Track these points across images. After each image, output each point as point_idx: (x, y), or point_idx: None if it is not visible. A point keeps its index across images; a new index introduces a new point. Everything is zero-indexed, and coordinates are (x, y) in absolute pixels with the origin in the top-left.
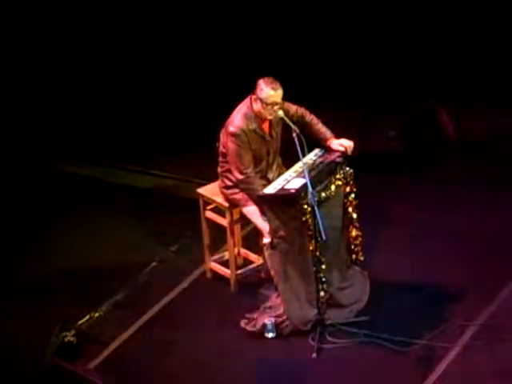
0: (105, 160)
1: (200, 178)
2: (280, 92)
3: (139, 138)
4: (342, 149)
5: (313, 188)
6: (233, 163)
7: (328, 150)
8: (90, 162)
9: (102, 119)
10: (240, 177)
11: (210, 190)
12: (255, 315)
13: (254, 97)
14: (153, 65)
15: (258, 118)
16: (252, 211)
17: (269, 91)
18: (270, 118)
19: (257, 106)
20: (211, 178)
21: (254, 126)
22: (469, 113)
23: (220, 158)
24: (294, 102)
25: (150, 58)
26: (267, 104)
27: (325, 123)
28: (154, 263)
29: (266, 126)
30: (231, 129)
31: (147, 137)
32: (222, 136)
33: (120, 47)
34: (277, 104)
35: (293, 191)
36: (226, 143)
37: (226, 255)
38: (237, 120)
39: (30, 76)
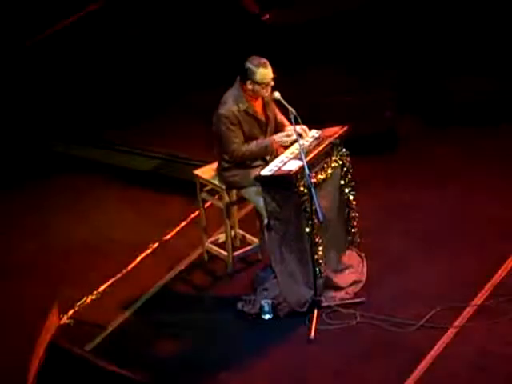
0: (101, 142)
1: (197, 160)
2: (270, 67)
3: (137, 119)
4: (300, 138)
5: (309, 170)
6: (224, 145)
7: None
8: (86, 143)
9: (98, 101)
10: (232, 156)
11: (207, 172)
12: (252, 297)
13: (248, 81)
14: (146, 49)
15: (250, 97)
16: (251, 192)
17: (261, 71)
18: (266, 95)
19: (252, 89)
20: (208, 159)
21: (244, 106)
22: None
23: (215, 141)
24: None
25: (141, 41)
26: (264, 83)
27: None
28: (150, 245)
29: (258, 105)
30: (221, 111)
31: (144, 118)
32: (213, 119)
33: (109, 35)
34: (272, 79)
35: (289, 173)
36: (217, 125)
37: (223, 237)
38: (227, 102)
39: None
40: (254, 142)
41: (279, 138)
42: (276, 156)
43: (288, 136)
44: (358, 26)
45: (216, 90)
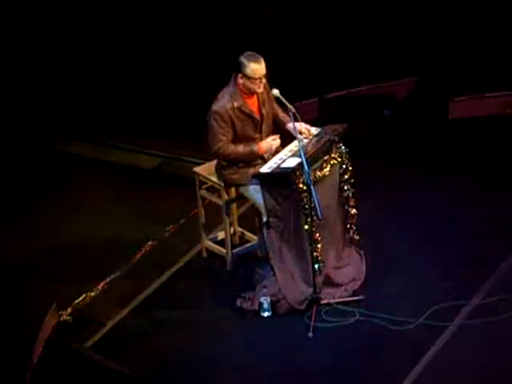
0: (100, 139)
1: (196, 158)
2: (263, 63)
3: (136, 116)
4: (300, 135)
5: (308, 167)
6: (211, 141)
7: (323, 129)
8: (85, 140)
9: (97, 99)
10: (217, 153)
11: (206, 169)
12: (251, 294)
13: (239, 75)
14: (145, 45)
15: (245, 94)
16: (250, 190)
17: (253, 65)
18: (259, 91)
19: (243, 83)
20: (207, 157)
21: (239, 103)
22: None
23: None
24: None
25: (142, 39)
26: (255, 79)
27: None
28: (149, 242)
29: (253, 103)
30: (215, 107)
31: (145, 116)
32: (207, 114)
33: (112, 32)
34: (264, 76)
35: (288, 170)
36: (208, 120)
37: (222, 234)
38: (222, 98)
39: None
40: (242, 144)
41: (265, 143)
42: (275, 154)
43: (274, 140)
44: (359, 26)
45: (216, 87)
